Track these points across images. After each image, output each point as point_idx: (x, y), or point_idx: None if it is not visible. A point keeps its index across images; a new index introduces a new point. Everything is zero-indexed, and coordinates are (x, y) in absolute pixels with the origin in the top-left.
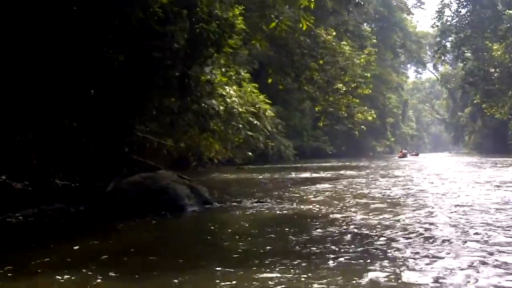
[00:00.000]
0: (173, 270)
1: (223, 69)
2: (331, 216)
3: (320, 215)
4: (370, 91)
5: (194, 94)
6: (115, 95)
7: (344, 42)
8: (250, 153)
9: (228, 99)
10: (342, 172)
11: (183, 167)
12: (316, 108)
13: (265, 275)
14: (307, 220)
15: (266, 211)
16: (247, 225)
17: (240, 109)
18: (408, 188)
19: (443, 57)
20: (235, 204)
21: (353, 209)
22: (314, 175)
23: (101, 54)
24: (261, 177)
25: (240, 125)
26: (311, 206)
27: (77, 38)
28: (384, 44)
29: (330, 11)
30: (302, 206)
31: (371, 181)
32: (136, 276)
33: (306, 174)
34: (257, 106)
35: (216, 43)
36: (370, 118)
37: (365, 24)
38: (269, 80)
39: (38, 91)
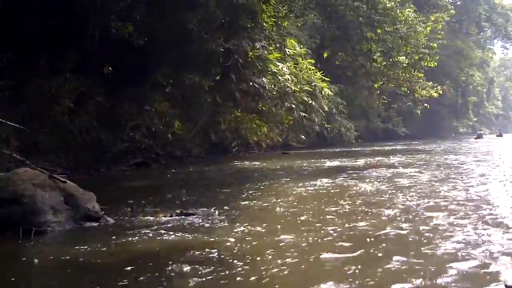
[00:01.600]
0: None
1: (277, 45)
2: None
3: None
4: (436, 63)
5: (239, 70)
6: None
7: (409, 10)
8: (303, 136)
9: (280, 77)
10: (389, 158)
11: (220, 152)
12: (375, 85)
13: None
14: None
15: (172, 237)
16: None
17: (294, 88)
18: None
19: None
20: (142, 218)
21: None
22: (350, 162)
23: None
24: (287, 164)
25: (293, 106)
26: (262, 229)
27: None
28: (468, 17)
29: None
30: (252, 228)
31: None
32: None
33: (342, 161)
34: (312, 84)
35: (249, 10)
36: (435, 94)
37: None
38: (325, 54)
39: None
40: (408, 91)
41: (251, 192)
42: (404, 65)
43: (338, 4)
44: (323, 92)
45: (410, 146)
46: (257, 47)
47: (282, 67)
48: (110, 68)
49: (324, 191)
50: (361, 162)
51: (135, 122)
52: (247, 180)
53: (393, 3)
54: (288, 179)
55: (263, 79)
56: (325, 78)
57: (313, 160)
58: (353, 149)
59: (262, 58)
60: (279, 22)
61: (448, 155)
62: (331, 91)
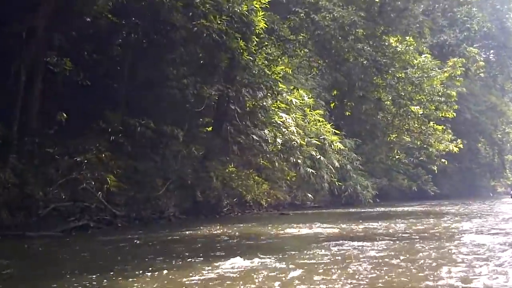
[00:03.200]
0: None
1: (283, 94)
2: None
3: None
4: (454, 114)
5: (235, 121)
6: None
7: (425, 55)
8: (310, 195)
9: (285, 129)
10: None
11: (206, 212)
12: (388, 138)
13: None
14: None
15: None
16: None
17: (300, 141)
18: None
19: None
20: None
21: None
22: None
23: None
24: (269, 232)
25: (299, 161)
26: None
27: None
28: (502, 72)
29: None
30: None
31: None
32: None
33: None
34: (321, 137)
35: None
36: (455, 149)
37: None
38: (332, 104)
39: None
40: (423, 144)
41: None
42: (418, 115)
43: (339, 46)
44: (332, 146)
45: (432, 207)
46: (258, 96)
47: (286, 119)
48: (65, 115)
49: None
50: (335, 229)
51: (73, 175)
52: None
53: (405, 47)
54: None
55: (265, 131)
56: (336, 131)
57: (299, 226)
58: (363, 210)
59: (265, 109)
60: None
61: (462, 221)
62: (345, 145)
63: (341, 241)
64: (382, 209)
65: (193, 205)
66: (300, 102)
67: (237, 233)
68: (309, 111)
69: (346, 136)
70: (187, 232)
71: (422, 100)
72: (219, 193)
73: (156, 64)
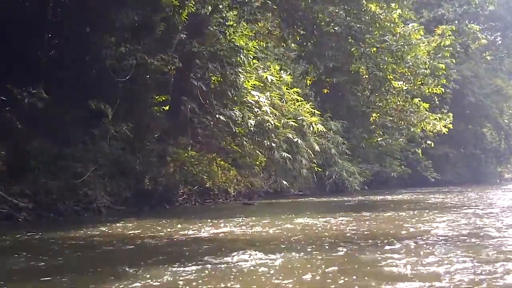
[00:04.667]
0: None
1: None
2: None
3: None
4: (442, 90)
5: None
6: None
7: (412, 25)
8: (285, 182)
9: (257, 109)
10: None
11: (157, 203)
12: (372, 118)
13: None
14: None
15: None
16: None
17: (275, 123)
18: None
19: None
20: None
21: None
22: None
23: None
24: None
25: (273, 144)
26: None
27: None
28: (508, 54)
29: None
30: None
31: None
32: None
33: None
34: (299, 118)
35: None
36: (444, 130)
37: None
38: (308, 81)
39: None
40: (403, 124)
41: None
42: (401, 90)
43: (307, 8)
44: (312, 128)
45: (424, 195)
46: (227, 72)
47: (259, 97)
48: None
49: None
50: (273, 228)
51: None
52: None
53: (387, 13)
54: None
55: (236, 111)
56: (316, 111)
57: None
58: (345, 199)
59: (236, 86)
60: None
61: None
62: (330, 128)
63: (244, 250)
64: (366, 198)
65: (136, 194)
66: (277, 80)
67: (131, 232)
68: (286, 89)
69: (332, 117)
70: (77, 234)
71: (405, 73)
72: (175, 181)
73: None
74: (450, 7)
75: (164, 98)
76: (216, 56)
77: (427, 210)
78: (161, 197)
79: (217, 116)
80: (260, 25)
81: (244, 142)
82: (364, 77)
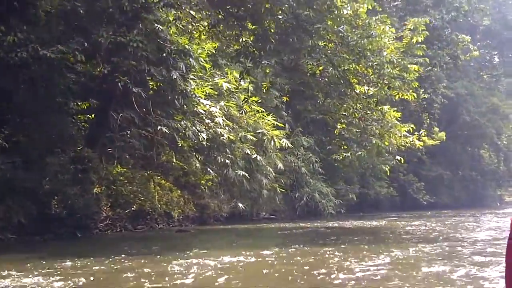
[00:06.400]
0: None
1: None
2: None
3: None
4: (414, 95)
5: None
6: None
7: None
8: (241, 205)
9: (208, 120)
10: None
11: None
12: (336, 130)
13: None
14: None
15: None
16: None
17: (230, 136)
18: None
19: None
20: None
21: None
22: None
23: None
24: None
25: (228, 161)
26: None
27: None
28: (505, 71)
29: None
30: None
31: None
32: None
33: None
34: (258, 132)
35: None
36: (419, 144)
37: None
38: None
39: None
40: (361, 134)
41: None
42: (364, 94)
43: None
44: (272, 143)
45: (406, 220)
46: (172, 76)
47: (210, 107)
48: None
49: None
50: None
51: None
52: None
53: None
54: None
55: (182, 122)
56: (279, 124)
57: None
58: (308, 226)
59: (185, 94)
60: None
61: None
62: (301, 143)
63: None
64: (335, 224)
65: (36, 220)
66: (235, 88)
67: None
68: (244, 98)
69: (303, 132)
70: None
71: (366, 73)
72: (94, 203)
73: None
74: (437, 14)
75: (88, 105)
76: (161, 59)
77: (380, 244)
78: (74, 223)
79: (159, 127)
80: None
81: (193, 159)
82: (319, 78)
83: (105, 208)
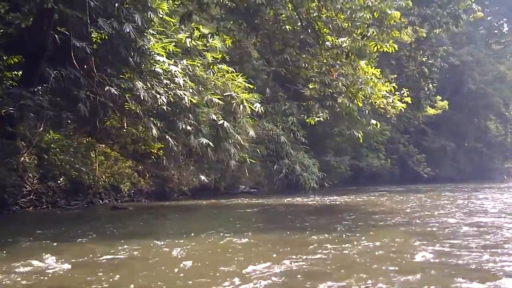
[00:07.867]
0: None
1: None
2: None
3: None
4: (395, 47)
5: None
6: None
7: None
8: (203, 177)
9: (167, 81)
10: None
11: None
12: (308, 91)
13: None
14: None
15: None
16: None
17: (192, 99)
18: None
19: None
20: None
21: None
22: None
23: None
24: None
25: (190, 128)
26: None
27: None
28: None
29: None
30: None
31: None
32: None
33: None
34: (226, 94)
35: None
36: (402, 107)
37: None
38: (228, 41)
39: None
40: (324, 91)
41: None
42: (333, 43)
43: None
44: (242, 108)
45: (392, 195)
46: (125, 29)
47: (169, 65)
48: None
49: None
50: None
51: None
52: None
53: None
54: None
55: (138, 82)
56: (249, 86)
57: None
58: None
59: (143, 51)
60: None
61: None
62: (280, 108)
63: None
64: (313, 199)
65: None
66: (202, 46)
67: None
68: (212, 57)
69: (287, 97)
70: None
71: (332, 17)
72: (15, 174)
73: None
74: None
75: (16, 60)
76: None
77: (326, 230)
78: None
79: (106, 88)
80: None
81: (150, 125)
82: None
83: (32, 180)
